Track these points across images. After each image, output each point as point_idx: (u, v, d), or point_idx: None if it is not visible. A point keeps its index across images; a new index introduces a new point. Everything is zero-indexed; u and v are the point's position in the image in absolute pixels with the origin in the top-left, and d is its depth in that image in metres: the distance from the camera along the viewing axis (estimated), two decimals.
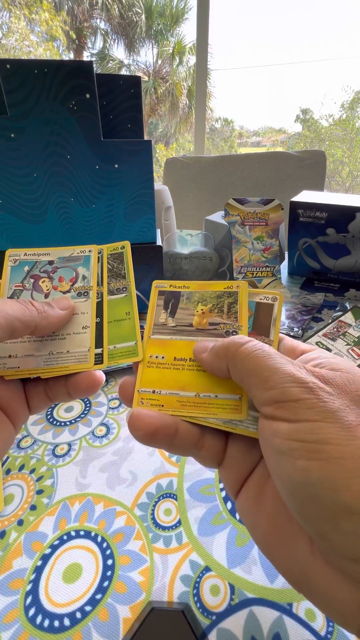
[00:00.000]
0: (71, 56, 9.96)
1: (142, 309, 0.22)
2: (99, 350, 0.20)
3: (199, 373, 0.19)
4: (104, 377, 0.20)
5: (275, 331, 0.20)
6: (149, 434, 0.17)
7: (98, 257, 0.23)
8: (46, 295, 0.21)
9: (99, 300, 0.22)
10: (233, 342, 0.17)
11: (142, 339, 0.21)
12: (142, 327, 0.21)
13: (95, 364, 0.20)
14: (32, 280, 0.22)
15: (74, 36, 9.63)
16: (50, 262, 0.23)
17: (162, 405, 0.19)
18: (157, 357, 0.20)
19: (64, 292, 0.22)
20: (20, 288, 0.21)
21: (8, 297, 0.21)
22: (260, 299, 0.21)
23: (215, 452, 0.19)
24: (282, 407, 0.14)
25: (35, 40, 8.97)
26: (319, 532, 0.13)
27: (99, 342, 0.20)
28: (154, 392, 0.19)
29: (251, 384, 0.16)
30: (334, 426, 0.13)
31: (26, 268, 0.22)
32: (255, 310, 0.21)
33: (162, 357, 0.20)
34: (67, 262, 0.23)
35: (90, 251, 0.23)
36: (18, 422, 0.20)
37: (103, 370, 0.20)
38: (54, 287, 0.22)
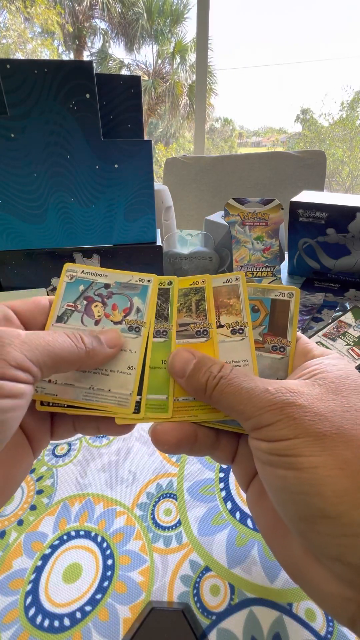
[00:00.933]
0: (71, 56, 9.95)
1: None
2: (139, 398, 0.19)
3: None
4: (134, 427, 0.20)
5: (293, 331, 0.19)
6: (174, 447, 0.18)
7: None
8: (97, 322, 0.20)
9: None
10: (207, 387, 0.17)
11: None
12: None
13: (134, 412, 0.19)
14: (85, 302, 0.21)
15: (71, 29, 9.58)
16: (107, 286, 0.21)
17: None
18: None
19: (115, 323, 0.20)
20: (72, 309, 0.20)
21: (58, 316, 0.20)
22: (276, 296, 0.20)
23: (229, 451, 0.20)
24: (260, 432, 0.15)
25: (31, 36, 8.93)
26: (300, 532, 0.14)
27: (140, 388, 0.19)
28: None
29: (234, 417, 0.17)
30: (307, 440, 0.14)
31: (81, 287, 0.21)
32: (270, 308, 0.20)
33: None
34: (124, 288, 0.21)
35: (149, 281, 0.22)
36: (39, 449, 0.20)
37: None
38: (105, 315, 0.21)
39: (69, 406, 0.19)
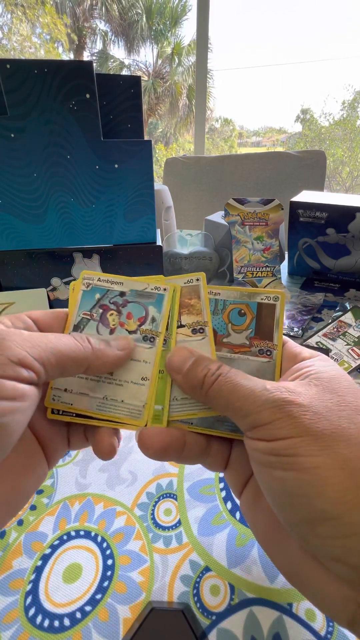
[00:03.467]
0: (71, 56, 9.96)
1: None
2: (160, 407, 0.19)
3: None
4: (116, 447, 0.19)
5: (279, 334, 0.19)
6: (160, 451, 0.18)
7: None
8: (112, 331, 0.20)
9: (165, 349, 0.20)
10: (205, 383, 0.17)
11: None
12: None
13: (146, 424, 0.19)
14: (100, 311, 0.21)
15: (76, 38, 9.65)
16: (122, 294, 0.21)
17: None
18: None
19: (130, 332, 0.20)
20: (88, 317, 0.20)
21: (75, 325, 0.20)
22: (262, 299, 0.20)
23: (222, 458, 0.20)
24: (259, 431, 0.15)
25: (37, 42, 8.98)
26: (300, 536, 0.14)
27: (160, 398, 0.19)
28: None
29: (229, 416, 0.17)
30: (307, 439, 0.14)
31: (97, 295, 0.21)
32: (256, 312, 0.20)
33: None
34: (139, 297, 0.21)
35: (165, 290, 0.21)
36: (55, 458, 0.20)
37: None
38: (120, 323, 0.20)
39: (78, 415, 0.19)
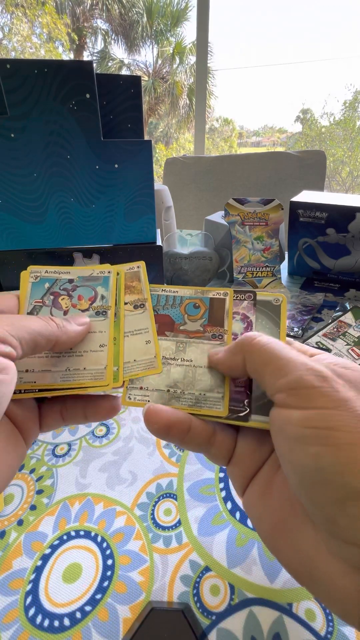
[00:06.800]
0: (71, 56, 9.96)
1: None
2: (115, 368, 0.21)
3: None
4: (121, 406, 0.21)
5: (229, 322, 0.22)
6: (164, 428, 0.18)
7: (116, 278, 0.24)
8: (65, 313, 0.22)
9: (116, 320, 0.22)
10: (247, 336, 0.18)
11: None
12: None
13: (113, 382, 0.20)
14: (51, 297, 0.22)
15: (76, 38, 9.66)
16: (70, 281, 0.23)
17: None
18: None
19: (83, 311, 0.22)
20: (40, 304, 0.22)
21: (27, 313, 0.21)
22: (214, 295, 0.23)
23: (226, 449, 0.19)
24: (296, 395, 0.15)
25: (38, 42, 8.98)
26: (328, 517, 0.13)
27: (116, 360, 0.21)
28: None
29: (266, 372, 0.16)
30: (346, 414, 0.13)
31: (46, 285, 0.22)
32: (209, 305, 0.22)
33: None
34: (87, 281, 0.23)
35: (109, 272, 0.23)
36: (29, 440, 0.20)
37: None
38: (72, 305, 0.22)
39: (40, 390, 0.20)
